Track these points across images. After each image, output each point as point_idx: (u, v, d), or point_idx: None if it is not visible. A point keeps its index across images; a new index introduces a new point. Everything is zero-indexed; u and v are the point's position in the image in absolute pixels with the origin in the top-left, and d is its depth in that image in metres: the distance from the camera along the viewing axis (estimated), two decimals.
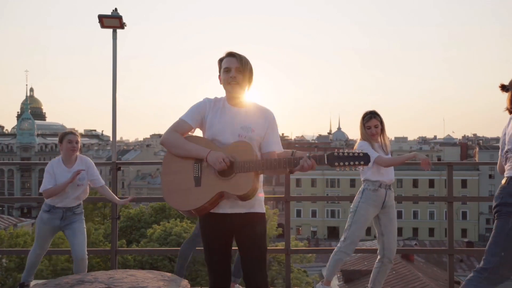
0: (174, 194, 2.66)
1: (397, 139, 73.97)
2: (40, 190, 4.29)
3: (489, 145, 66.83)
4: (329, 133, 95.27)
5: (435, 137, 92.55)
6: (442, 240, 40.50)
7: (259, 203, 2.74)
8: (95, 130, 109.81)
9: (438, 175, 54.28)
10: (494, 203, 2.86)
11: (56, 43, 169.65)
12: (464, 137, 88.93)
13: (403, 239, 43.67)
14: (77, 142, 4.35)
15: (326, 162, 2.53)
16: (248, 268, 2.71)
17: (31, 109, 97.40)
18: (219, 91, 2.82)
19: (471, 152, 69.36)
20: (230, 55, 2.74)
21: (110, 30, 5.63)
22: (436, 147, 70.98)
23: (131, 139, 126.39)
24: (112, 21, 5.51)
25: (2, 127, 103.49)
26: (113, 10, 5.54)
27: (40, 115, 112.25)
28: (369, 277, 4.33)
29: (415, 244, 34.97)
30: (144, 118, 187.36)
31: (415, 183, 57.36)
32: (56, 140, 77.55)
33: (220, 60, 2.78)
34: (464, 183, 56.39)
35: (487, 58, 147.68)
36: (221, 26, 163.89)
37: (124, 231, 23.07)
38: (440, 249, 8.32)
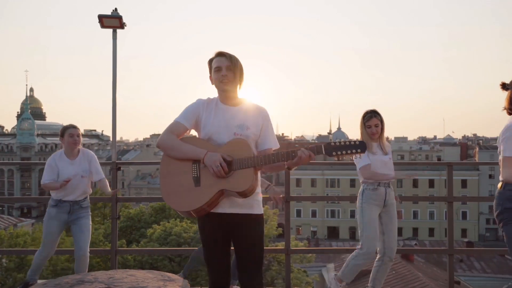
0: (174, 195, 2.65)
1: (397, 139, 73.94)
2: (42, 182, 4.35)
3: (489, 145, 66.77)
4: (329, 133, 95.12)
5: (435, 137, 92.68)
6: (442, 240, 40.46)
7: (257, 204, 2.74)
8: (95, 130, 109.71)
9: (438, 175, 54.25)
10: (495, 212, 2.89)
11: (56, 43, 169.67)
12: (464, 137, 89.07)
13: (403, 239, 43.63)
14: (78, 136, 4.41)
15: (323, 152, 2.54)
16: (244, 270, 2.71)
17: (31, 109, 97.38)
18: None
19: (471, 152, 69.40)
20: (220, 54, 2.74)
21: (110, 30, 5.64)
22: (436, 147, 71.00)
23: (131, 139, 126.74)
24: (112, 21, 5.52)
25: (2, 127, 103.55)
26: (113, 10, 5.55)
27: (40, 115, 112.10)
28: (369, 276, 4.33)
29: (415, 244, 34.92)
30: (144, 118, 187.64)
31: (415, 183, 57.31)
32: (56, 140, 77.78)
33: (210, 61, 2.78)
34: (464, 183, 56.44)
35: (487, 58, 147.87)
36: (221, 26, 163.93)
37: (124, 231, 23.03)
38: (440, 249, 8.32)
